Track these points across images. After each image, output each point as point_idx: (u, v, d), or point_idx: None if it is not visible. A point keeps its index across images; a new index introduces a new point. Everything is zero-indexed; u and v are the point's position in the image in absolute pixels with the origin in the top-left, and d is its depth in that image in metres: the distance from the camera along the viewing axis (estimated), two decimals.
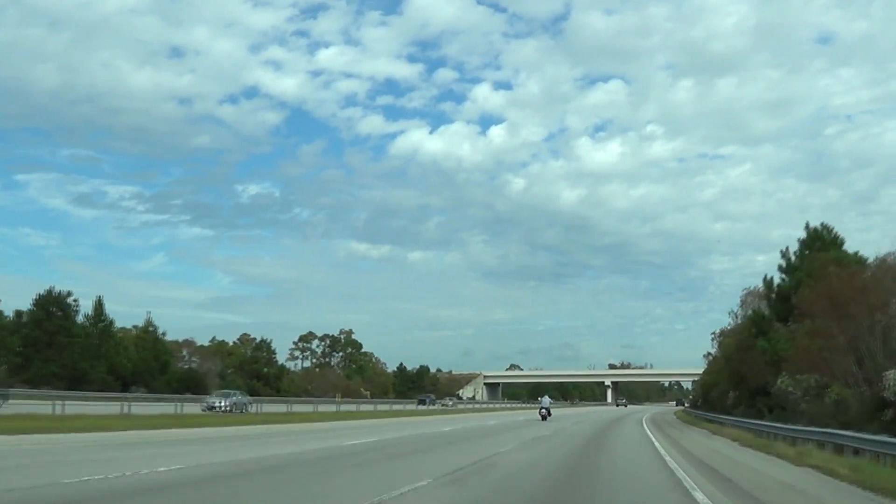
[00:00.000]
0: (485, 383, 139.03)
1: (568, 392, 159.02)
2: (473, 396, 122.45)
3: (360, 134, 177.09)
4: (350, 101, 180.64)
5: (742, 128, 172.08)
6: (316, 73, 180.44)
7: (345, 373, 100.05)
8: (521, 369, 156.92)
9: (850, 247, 35.08)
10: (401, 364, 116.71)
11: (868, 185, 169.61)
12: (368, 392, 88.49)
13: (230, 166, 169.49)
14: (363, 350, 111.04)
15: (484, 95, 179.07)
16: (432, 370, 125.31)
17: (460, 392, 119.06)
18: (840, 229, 36.36)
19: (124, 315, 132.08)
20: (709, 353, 67.23)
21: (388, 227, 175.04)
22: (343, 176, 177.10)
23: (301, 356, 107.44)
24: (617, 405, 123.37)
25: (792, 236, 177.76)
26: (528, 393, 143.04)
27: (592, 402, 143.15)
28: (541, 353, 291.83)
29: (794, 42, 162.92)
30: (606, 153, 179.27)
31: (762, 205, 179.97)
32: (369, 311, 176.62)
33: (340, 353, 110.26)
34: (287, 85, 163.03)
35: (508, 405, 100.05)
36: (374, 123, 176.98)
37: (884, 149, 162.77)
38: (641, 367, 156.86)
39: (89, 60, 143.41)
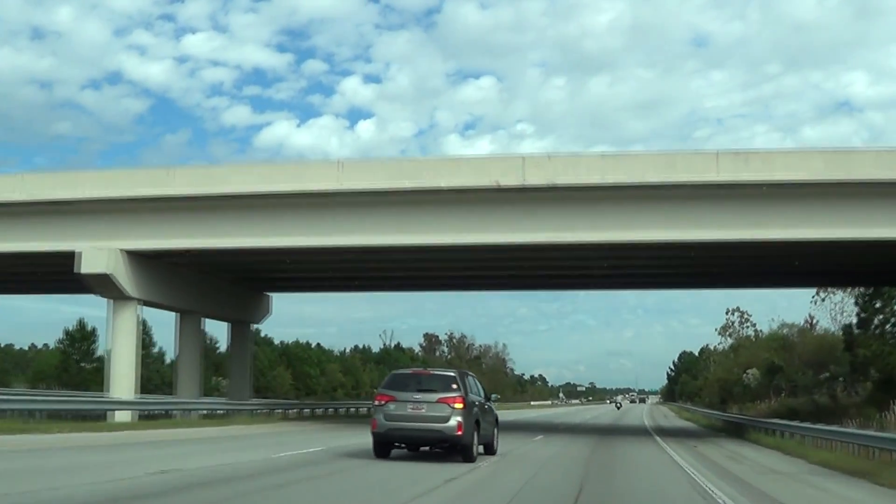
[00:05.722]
0: None
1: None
2: None
3: (226, 125, 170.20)
4: (216, 90, 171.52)
5: (612, 128, 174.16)
6: (182, 60, 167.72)
7: None
8: None
9: None
10: None
11: None
12: None
13: (92, 155, 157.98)
14: None
15: (353, 88, 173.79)
16: None
17: None
18: None
19: None
20: (809, 320, 45.34)
21: None
22: None
23: None
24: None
25: None
26: None
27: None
28: None
29: (668, 42, 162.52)
30: (475, 151, 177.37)
31: None
32: None
33: None
34: (152, 71, 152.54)
35: None
36: (240, 114, 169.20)
37: None
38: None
39: None
